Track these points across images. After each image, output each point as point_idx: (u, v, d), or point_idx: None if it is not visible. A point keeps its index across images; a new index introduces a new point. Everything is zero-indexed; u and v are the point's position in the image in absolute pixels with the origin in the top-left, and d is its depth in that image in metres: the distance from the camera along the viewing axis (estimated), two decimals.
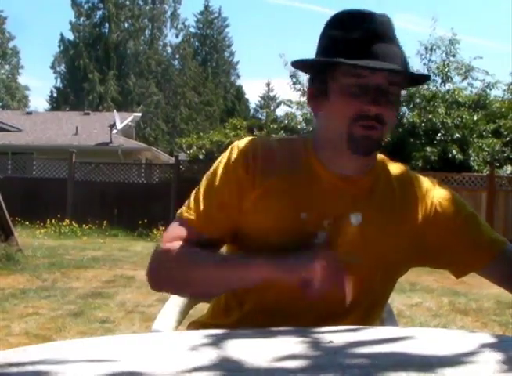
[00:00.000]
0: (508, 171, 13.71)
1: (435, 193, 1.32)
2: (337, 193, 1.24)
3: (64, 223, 13.02)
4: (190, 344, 0.92)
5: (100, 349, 0.92)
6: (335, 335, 0.98)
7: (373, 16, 1.21)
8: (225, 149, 1.31)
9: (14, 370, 0.80)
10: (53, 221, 12.98)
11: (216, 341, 0.93)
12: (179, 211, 1.30)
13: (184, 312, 1.53)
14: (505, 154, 14.18)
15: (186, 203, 1.30)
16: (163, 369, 0.79)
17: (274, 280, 1.16)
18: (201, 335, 0.98)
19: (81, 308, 5.24)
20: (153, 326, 1.44)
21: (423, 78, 1.39)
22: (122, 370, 0.79)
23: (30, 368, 0.80)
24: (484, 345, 0.93)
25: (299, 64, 1.29)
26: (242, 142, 1.29)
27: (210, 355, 0.85)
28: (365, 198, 1.26)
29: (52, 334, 4.33)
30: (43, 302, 5.46)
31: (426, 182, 1.34)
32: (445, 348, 0.91)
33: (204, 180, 1.30)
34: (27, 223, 12.78)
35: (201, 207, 1.27)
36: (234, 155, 1.26)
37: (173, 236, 1.26)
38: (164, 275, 1.25)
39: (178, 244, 1.23)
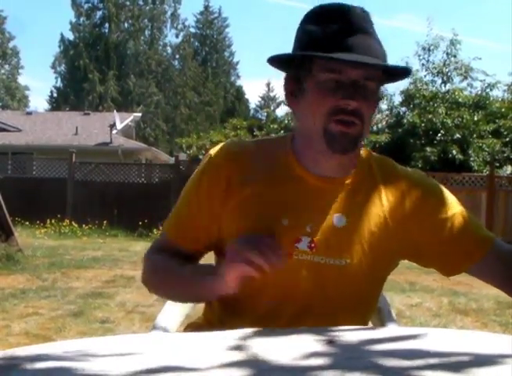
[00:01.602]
0: (508, 171, 13.72)
1: (424, 189, 1.27)
2: (319, 196, 1.22)
3: (64, 223, 13.02)
4: (191, 344, 0.92)
5: (100, 349, 0.92)
6: (335, 335, 0.98)
7: (349, 9, 1.18)
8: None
9: (14, 370, 0.80)
10: (53, 221, 12.97)
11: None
12: (164, 222, 1.36)
13: (184, 313, 1.53)
14: (505, 154, 14.19)
15: (166, 223, 1.35)
16: (162, 369, 0.79)
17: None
18: (197, 336, 0.98)
19: (81, 308, 5.23)
20: (153, 326, 1.44)
21: (403, 72, 1.29)
22: (122, 370, 0.79)
23: (30, 368, 0.80)
24: (486, 345, 0.93)
25: (275, 61, 1.25)
26: (216, 151, 1.27)
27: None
28: (349, 198, 1.22)
29: (52, 334, 4.33)
30: (43, 302, 5.46)
31: (414, 177, 1.29)
32: (444, 348, 0.91)
33: (182, 192, 1.32)
34: (27, 223, 12.78)
35: (176, 219, 1.32)
36: (208, 165, 1.26)
37: (154, 246, 1.35)
38: (147, 281, 1.34)
39: (155, 255, 1.32)
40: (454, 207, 1.27)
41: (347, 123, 1.16)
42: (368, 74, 1.16)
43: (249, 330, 1.00)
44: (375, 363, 0.83)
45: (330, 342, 0.94)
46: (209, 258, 1.35)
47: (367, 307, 1.32)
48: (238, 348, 0.89)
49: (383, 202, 1.24)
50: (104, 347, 0.95)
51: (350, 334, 1.02)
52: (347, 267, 1.20)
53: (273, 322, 1.17)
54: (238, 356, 0.84)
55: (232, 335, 0.96)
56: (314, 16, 1.21)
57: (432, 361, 0.83)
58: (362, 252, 1.21)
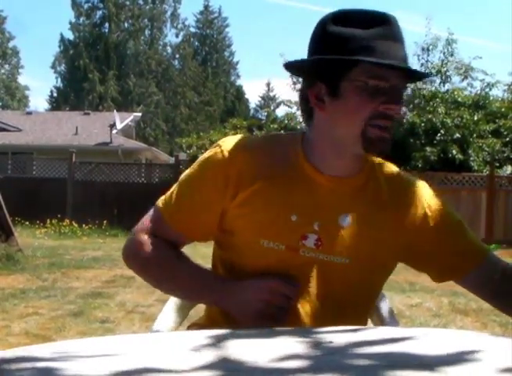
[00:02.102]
0: (508, 171, 13.72)
1: (426, 199, 1.30)
2: (327, 195, 1.23)
3: (64, 223, 13.03)
4: (189, 344, 0.92)
5: (100, 349, 0.92)
6: (335, 336, 0.98)
7: (387, 16, 1.18)
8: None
9: (14, 370, 0.80)
10: (53, 221, 12.98)
11: (215, 342, 0.93)
12: (158, 203, 1.32)
13: (184, 313, 1.53)
14: (505, 154, 14.18)
15: (165, 197, 1.31)
16: (161, 369, 0.79)
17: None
18: (201, 336, 0.98)
19: (81, 308, 5.23)
20: (153, 326, 1.44)
21: (419, 77, 1.34)
22: (122, 370, 0.79)
23: (30, 368, 0.80)
24: (483, 345, 0.93)
25: (294, 66, 1.26)
26: (227, 142, 1.27)
27: (209, 355, 0.85)
28: (355, 199, 1.25)
29: (52, 334, 4.33)
30: (43, 302, 5.46)
31: (419, 187, 1.32)
32: (444, 348, 0.91)
33: (185, 177, 1.30)
34: (27, 223, 12.78)
35: (177, 206, 1.28)
36: (219, 155, 1.24)
37: (147, 228, 1.30)
38: (138, 267, 1.34)
39: (151, 239, 1.29)
40: (453, 216, 1.33)
41: (384, 127, 1.17)
42: (405, 81, 1.21)
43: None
44: (374, 363, 0.83)
45: (330, 342, 0.94)
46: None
47: (367, 306, 1.34)
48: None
49: (386, 204, 1.26)
50: (104, 347, 0.95)
51: (349, 335, 1.02)
52: (349, 266, 1.22)
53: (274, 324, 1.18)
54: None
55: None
56: (346, 20, 1.18)
57: (431, 361, 0.83)
58: (365, 252, 1.23)
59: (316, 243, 1.21)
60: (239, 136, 1.29)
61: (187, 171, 1.30)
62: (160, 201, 1.31)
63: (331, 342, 0.93)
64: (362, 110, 1.16)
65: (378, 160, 1.32)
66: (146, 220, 1.32)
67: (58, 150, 18.52)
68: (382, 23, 1.17)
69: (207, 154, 1.28)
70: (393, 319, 1.48)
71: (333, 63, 1.17)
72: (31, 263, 7.79)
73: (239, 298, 1.20)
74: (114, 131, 22.35)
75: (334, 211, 1.22)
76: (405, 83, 1.22)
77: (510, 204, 12.41)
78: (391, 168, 1.33)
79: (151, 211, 1.32)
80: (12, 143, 20.43)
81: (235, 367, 0.80)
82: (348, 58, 1.15)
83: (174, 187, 1.31)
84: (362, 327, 1.16)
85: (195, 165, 1.30)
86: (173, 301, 1.51)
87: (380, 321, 1.47)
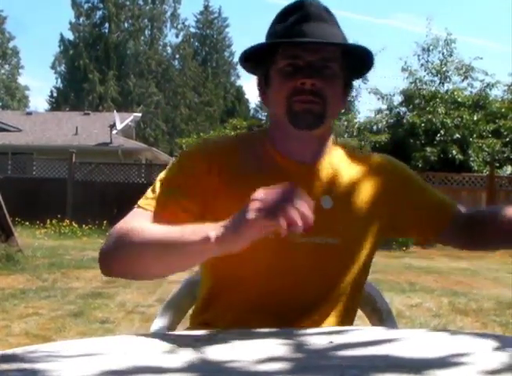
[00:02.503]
0: (508, 172, 13.73)
1: (391, 169, 1.36)
2: (302, 180, 1.22)
3: (64, 223, 13.02)
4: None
5: (100, 349, 0.92)
6: (335, 336, 0.98)
7: (306, 2, 1.25)
8: None
9: (14, 370, 0.80)
10: (53, 221, 12.98)
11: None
12: (138, 204, 1.26)
13: (183, 312, 1.53)
14: (505, 154, 14.19)
15: (144, 197, 1.26)
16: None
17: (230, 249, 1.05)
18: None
19: (81, 308, 5.23)
20: (151, 326, 1.44)
21: (369, 59, 1.30)
22: (122, 370, 0.79)
23: (30, 368, 0.80)
24: (473, 346, 0.93)
25: (249, 67, 1.34)
26: (194, 148, 1.33)
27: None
28: (329, 181, 1.29)
29: (52, 334, 4.33)
30: (43, 302, 5.46)
31: (382, 158, 1.39)
32: (443, 349, 0.91)
33: (163, 177, 1.27)
34: (27, 223, 12.79)
35: (159, 202, 1.23)
36: (194, 154, 1.28)
37: (125, 221, 1.20)
38: (113, 255, 1.17)
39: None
40: (421, 181, 1.41)
41: (306, 102, 1.21)
42: (325, 55, 1.22)
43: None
44: (373, 364, 0.83)
45: (330, 342, 0.94)
46: None
47: (356, 290, 1.33)
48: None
49: (359, 183, 1.31)
50: (104, 347, 0.95)
51: (349, 335, 1.02)
52: (341, 246, 1.25)
53: (268, 308, 1.19)
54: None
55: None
56: (277, 16, 1.29)
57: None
58: (350, 232, 1.27)
59: (304, 227, 1.20)
60: (202, 141, 1.39)
61: (162, 174, 1.27)
62: (140, 202, 1.27)
63: (331, 342, 0.94)
64: (284, 89, 1.22)
65: (338, 141, 1.38)
66: (122, 220, 1.23)
67: (58, 150, 18.52)
68: (299, 8, 1.24)
69: (178, 158, 1.31)
70: (391, 320, 1.48)
71: (259, 56, 1.27)
72: (31, 263, 7.79)
73: (235, 217, 1.05)
74: (114, 132, 22.35)
75: (314, 194, 1.20)
76: (334, 59, 1.24)
77: (510, 204, 12.41)
78: (354, 148, 1.40)
79: (132, 213, 1.25)
80: (12, 143, 20.44)
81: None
82: (258, 44, 1.25)
83: (150, 189, 1.27)
84: (346, 327, 1.16)
85: (170, 168, 1.28)
86: (172, 301, 1.51)
87: (380, 322, 1.47)
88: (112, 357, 0.87)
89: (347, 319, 1.29)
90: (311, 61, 1.22)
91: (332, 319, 1.26)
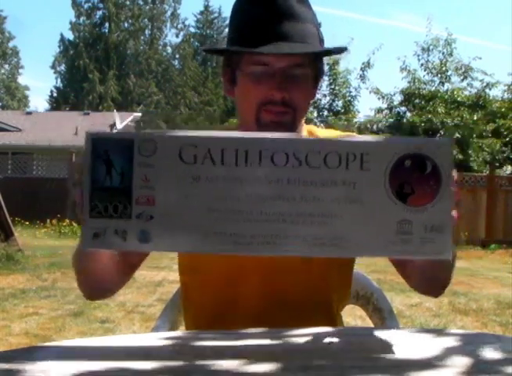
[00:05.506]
0: (508, 171, 13.73)
1: None
2: None
3: (64, 223, 13.02)
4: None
5: (100, 349, 0.92)
6: (334, 336, 0.98)
7: None
8: None
9: (14, 370, 0.80)
10: (53, 221, 12.98)
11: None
12: None
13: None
14: (505, 154, 14.19)
15: None
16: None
17: None
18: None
19: (81, 308, 5.23)
20: (152, 326, 1.44)
21: (337, 49, 1.29)
22: (121, 369, 0.79)
23: (29, 368, 0.80)
24: (473, 346, 0.93)
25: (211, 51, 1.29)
26: None
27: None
28: None
29: (52, 334, 4.33)
30: (43, 302, 5.46)
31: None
32: (443, 349, 0.91)
33: None
34: (27, 223, 12.78)
35: None
36: None
37: None
38: (77, 281, 1.24)
39: None
40: None
41: (277, 113, 1.15)
42: (296, 61, 1.14)
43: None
44: (373, 364, 0.83)
45: (330, 343, 0.94)
46: None
47: (343, 291, 1.33)
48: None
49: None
50: (104, 347, 0.95)
51: (349, 335, 1.02)
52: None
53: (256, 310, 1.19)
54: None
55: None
56: (240, 7, 1.21)
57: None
58: None
59: None
60: None
61: None
62: None
63: (331, 342, 0.94)
64: (252, 95, 1.16)
65: (314, 130, 1.30)
66: None
67: (58, 150, 18.52)
68: (273, 3, 1.14)
69: None
70: (393, 319, 1.48)
71: (226, 53, 1.24)
72: (31, 263, 7.78)
73: None
74: (114, 131, 22.33)
75: None
76: (306, 63, 1.16)
77: (510, 204, 12.41)
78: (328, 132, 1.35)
79: None
80: (12, 143, 20.42)
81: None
82: (225, 49, 1.23)
83: None
84: (361, 327, 1.16)
85: None
86: (173, 301, 1.51)
87: (381, 321, 1.47)
88: (112, 357, 0.86)
89: (336, 321, 1.29)
90: (280, 68, 1.14)
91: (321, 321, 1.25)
